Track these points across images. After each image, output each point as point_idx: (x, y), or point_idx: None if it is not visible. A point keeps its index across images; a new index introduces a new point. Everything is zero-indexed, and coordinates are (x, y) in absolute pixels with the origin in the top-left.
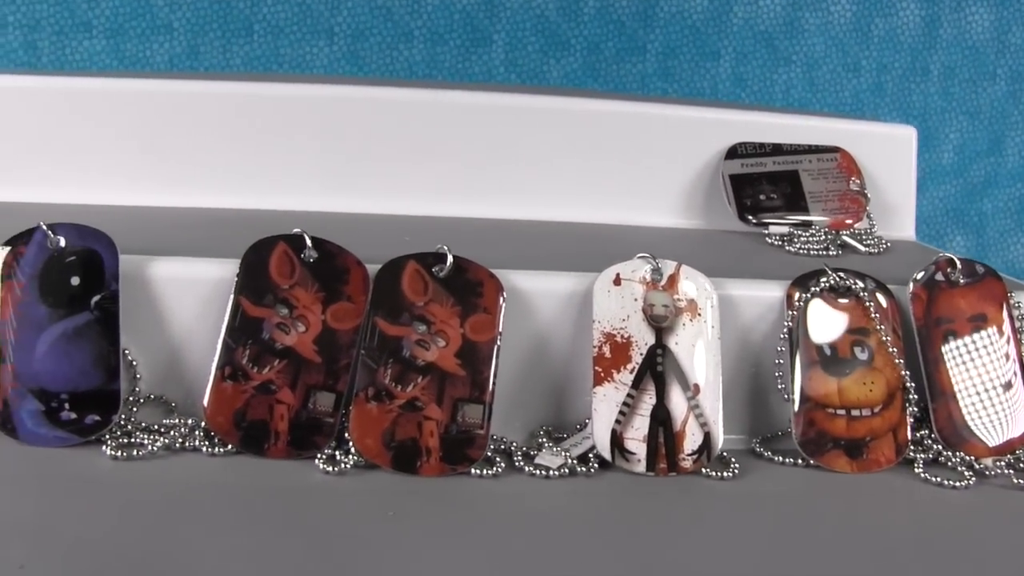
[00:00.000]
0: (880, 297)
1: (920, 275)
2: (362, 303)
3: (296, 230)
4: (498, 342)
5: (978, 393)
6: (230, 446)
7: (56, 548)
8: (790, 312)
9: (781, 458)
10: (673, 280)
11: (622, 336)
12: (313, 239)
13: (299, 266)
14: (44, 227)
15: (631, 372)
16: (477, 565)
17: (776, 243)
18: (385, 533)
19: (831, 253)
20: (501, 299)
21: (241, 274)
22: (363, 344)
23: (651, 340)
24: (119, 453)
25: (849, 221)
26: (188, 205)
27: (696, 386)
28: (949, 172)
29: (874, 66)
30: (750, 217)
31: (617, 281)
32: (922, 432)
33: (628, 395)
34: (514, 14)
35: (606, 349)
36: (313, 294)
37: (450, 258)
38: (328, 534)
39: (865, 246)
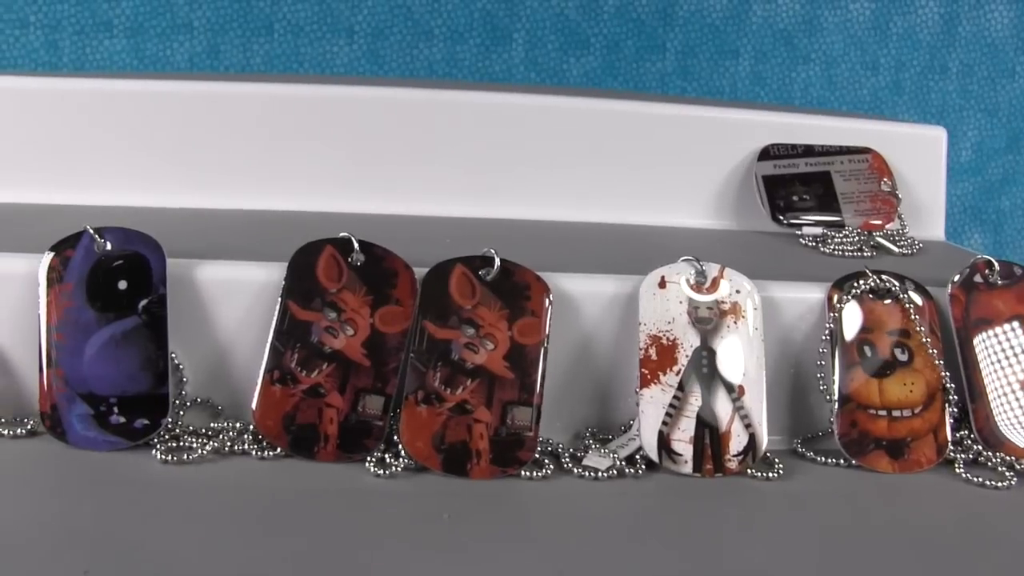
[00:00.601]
0: (919, 298)
1: (958, 276)
2: (410, 306)
3: (343, 234)
4: (545, 345)
5: (1016, 393)
6: (279, 449)
7: (117, 553)
8: (831, 314)
9: (823, 458)
10: (717, 282)
11: (668, 338)
12: (360, 242)
13: (347, 269)
14: (91, 231)
15: (677, 374)
16: (535, 567)
17: (810, 244)
18: (441, 535)
19: (865, 254)
20: (548, 302)
21: (289, 277)
22: (412, 347)
23: (696, 342)
24: (169, 457)
25: (880, 222)
26: (224, 207)
27: (741, 388)
28: (967, 170)
29: (892, 64)
30: (782, 218)
31: (662, 284)
32: (961, 432)
33: (674, 397)
34: (534, 12)
35: (652, 351)
36: (361, 297)
37: (497, 261)
38: (384, 536)
39: (898, 247)
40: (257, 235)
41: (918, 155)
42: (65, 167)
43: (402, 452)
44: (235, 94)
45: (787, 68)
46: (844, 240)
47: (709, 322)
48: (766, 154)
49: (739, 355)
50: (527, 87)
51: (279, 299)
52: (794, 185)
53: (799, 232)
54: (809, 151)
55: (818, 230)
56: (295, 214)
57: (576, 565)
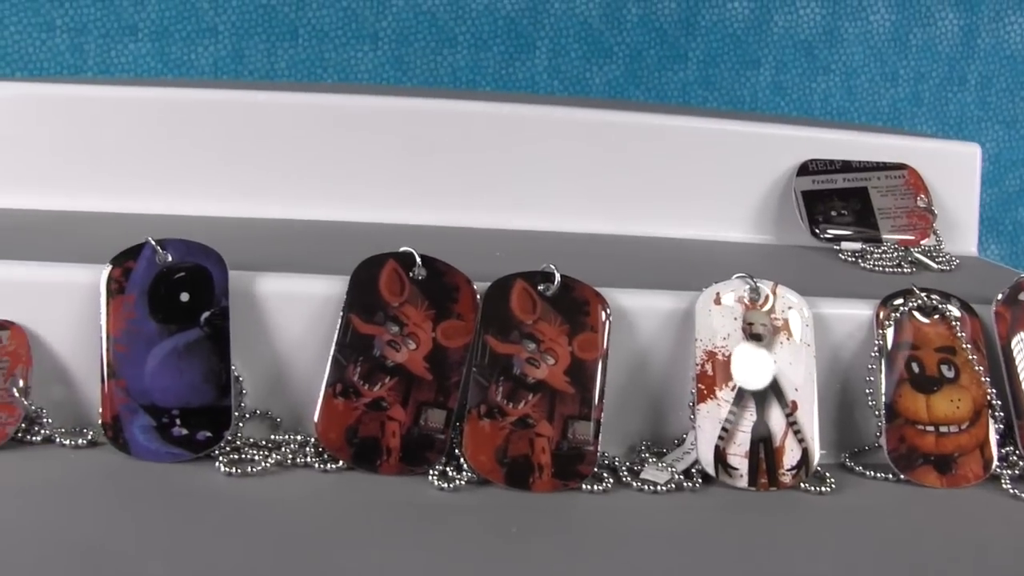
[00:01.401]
0: (964, 316)
1: (1002, 295)
2: (471, 321)
3: (404, 248)
4: (604, 360)
5: None
6: (341, 462)
7: (192, 565)
8: (879, 331)
9: (872, 472)
10: (769, 299)
11: (723, 354)
12: (422, 257)
13: (409, 284)
14: (152, 243)
15: (732, 390)
16: None
17: (849, 259)
18: (511, 548)
19: (904, 270)
20: (606, 317)
21: (351, 291)
22: (474, 362)
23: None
24: (233, 469)
25: (916, 238)
26: (277, 217)
27: (794, 403)
28: (984, 181)
29: (912, 75)
30: (820, 233)
31: (717, 300)
32: (1007, 449)
33: (730, 412)
34: (557, 20)
35: (708, 367)
36: (423, 312)
37: (558, 277)
38: (455, 549)
39: (937, 263)
40: (312, 246)
41: (952, 171)
42: (118, 175)
43: (464, 465)
44: (290, 104)
45: (807, 78)
46: (883, 256)
47: (763, 338)
48: (805, 169)
49: (792, 371)
50: (573, 99)
51: (341, 313)
52: (832, 200)
53: (837, 247)
54: (847, 167)
55: (857, 245)
56: (345, 224)
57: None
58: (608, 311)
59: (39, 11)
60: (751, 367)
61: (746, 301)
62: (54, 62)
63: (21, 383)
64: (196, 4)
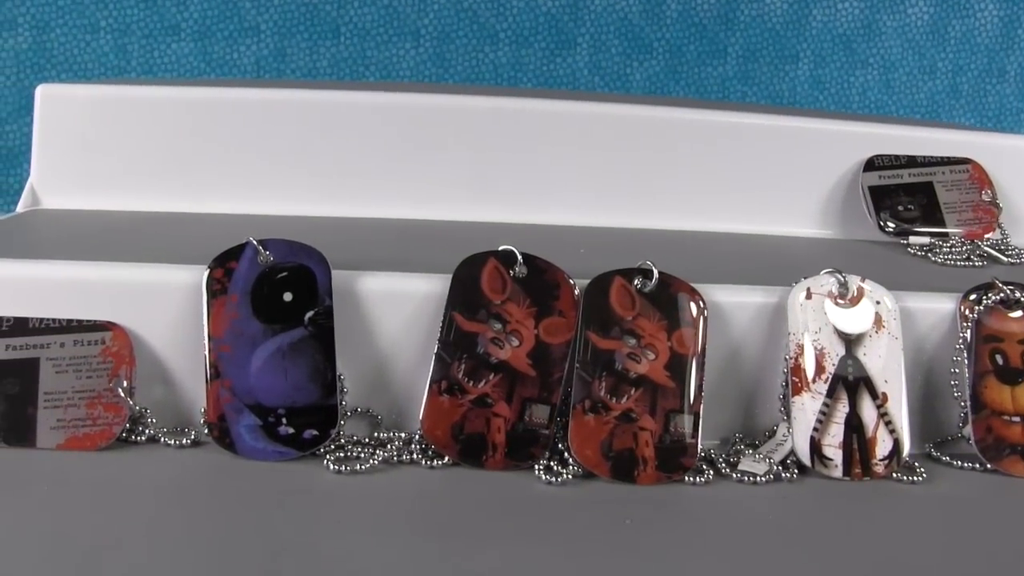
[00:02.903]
0: None
1: None
2: (572, 317)
3: (505, 247)
4: (701, 354)
5: None
6: (447, 459)
7: (323, 564)
8: (964, 323)
9: (959, 462)
10: (858, 293)
11: (816, 347)
12: (523, 255)
13: (510, 281)
14: (255, 243)
15: (825, 382)
16: (719, 570)
17: (919, 254)
18: (626, 540)
19: (975, 264)
20: (702, 312)
21: (453, 289)
22: (576, 358)
23: (842, 351)
24: (341, 467)
25: (982, 231)
26: (367, 216)
27: (884, 395)
28: None
29: (950, 68)
30: (887, 227)
31: (808, 295)
32: None
33: (824, 403)
34: (598, 17)
35: (801, 360)
36: (525, 309)
37: (656, 273)
38: (569, 543)
39: (1006, 256)
40: (402, 245)
41: (1016, 165)
42: (214, 177)
43: (569, 460)
44: (378, 104)
45: (846, 72)
46: (952, 250)
47: (853, 332)
48: (871, 165)
49: (881, 363)
50: (632, 97)
51: (444, 310)
52: (898, 195)
53: (904, 241)
54: (912, 162)
55: (925, 239)
56: (426, 223)
57: (757, 567)
58: (704, 306)
59: (84, 13)
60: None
61: (836, 295)
62: (98, 63)
63: (125, 383)
64: (238, 3)
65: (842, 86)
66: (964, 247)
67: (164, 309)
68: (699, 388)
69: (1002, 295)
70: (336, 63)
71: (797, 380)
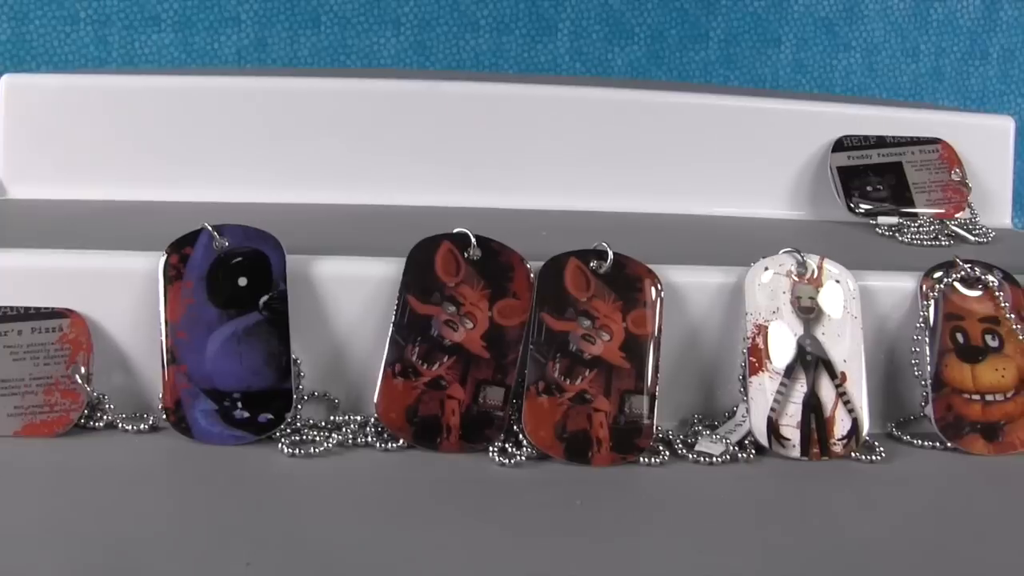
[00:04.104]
0: (1007, 286)
1: None
2: (527, 299)
3: (459, 229)
4: (657, 335)
5: None
6: (402, 441)
7: (273, 544)
8: (924, 302)
9: (919, 441)
10: (817, 273)
11: (773, 328)
12: (477, 237)
13: (464, 264)
14: (210, 228)
15: (783, 362)
16: (673, 550)
17: (887, 234)
18: (577, 521)
19: (942, 243)
20: (659, 293)
21: (407, 272)
22: (531, 339)
23: (800, 331)
24: (295, 450)
25: (951, 211)
26: (324, 202)
27: (843, 374)
28: None
29: (933, 50)
30: (856, 208)
31: (767, 275)
32: None
33: (782, 383)
34: (579, 2)
35: (759, 340)
36: (479, 291)
37: (611, 254)
38: (520, 524)
39: (973, 236)
40: (362, 230)
41: (985, 144)
42: (172, 164)
43: (524, 441)
44: (334, 90)
45: (828, 56)
46: (920, 229)
47: (811, 311)
48: (840, 145)
49: (840, 343)
50: (613, 80)
51: (398, 294)
52: (867, 175)
53: (874, 222)
54: (881, 142)
55: (893, 219)
56: (388, 208)
57: (710, 547)
58: (660, 287)
59: (63, 4)
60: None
61: (794, 275)
62: (78, 54)
63: (83, 370)
64: None
65: (825, 69)
66: (932, 227)
67: (122, 296)
68: (655, 369)
69: (963, 273)
70: (317, 52)
71: (755, 360)
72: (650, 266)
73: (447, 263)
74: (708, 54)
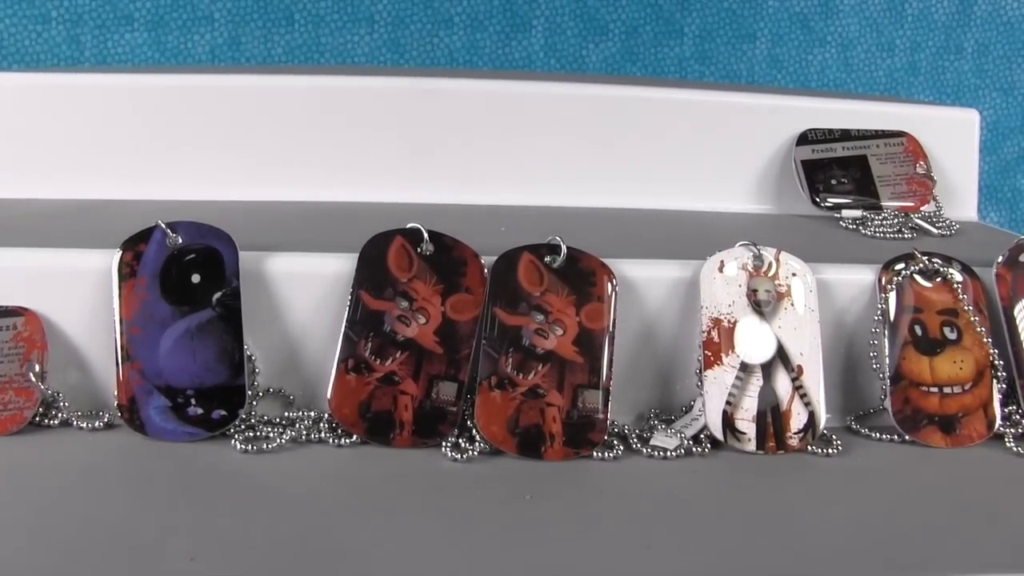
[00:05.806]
0: (965, 278)
1: (1003, 257)
2: (480, 294)
3: (412, 224)
4: (611, 329)
5: None
6: (355, 437)
7: (218, 540)
8: (882, 295)
9: (877, 434)
10: (773, 266)
11: (729, 321)
12: (429, 232)
13: (417, 259)
14: (163, 226)
15: (738, 356)
16: (622, 543)
17: (850, 227)
18: (526, 515)
19: (905, 236)
20: (612, 287)
21: (360, 268)
22: (484, 334)
23: (756, 325)
24: (248, 447)
25: (916, 204)
26: (280, 199)
27: (799, 367)
28: (983, 149)
29: (908, 45)
30: (821, 201)
31: (721, 268)
32: (1010, 408)
33: (737, 377)
34: None
35: (714, 334)
36: (432, 286)
37: (564, 249)
38: (469, 518)
39: (937, 229)
40: (319, 227)
41: (951, 137)
42: (125, 163)
43: (477, 436)
44: (290, 87)
45: (804, 51)
46: (884, 223)
47: (767, 304)
48: (804, 139)
49: (797, 336)
50: (571, 76)
51: (351, 290)
52: (832, 169)
53: (838, 215)
54: (846, 135)
55: (857, 213)
56: (348, 205)
57: (661, 541)
58: (614, 281)
59: (34, 3)
60: (755, 338)
61: (750, 268)
62: (50, 54)
63: (37, 368)
64: None
65: (800, 64)
66: (896, 220)
67: (76, 293)
68: (610, 363)
69: (921, 265)
70: (291, 50)
71: (710, 354)
72: (605, 260)
73: (400, 258)
74: (683, 50)
